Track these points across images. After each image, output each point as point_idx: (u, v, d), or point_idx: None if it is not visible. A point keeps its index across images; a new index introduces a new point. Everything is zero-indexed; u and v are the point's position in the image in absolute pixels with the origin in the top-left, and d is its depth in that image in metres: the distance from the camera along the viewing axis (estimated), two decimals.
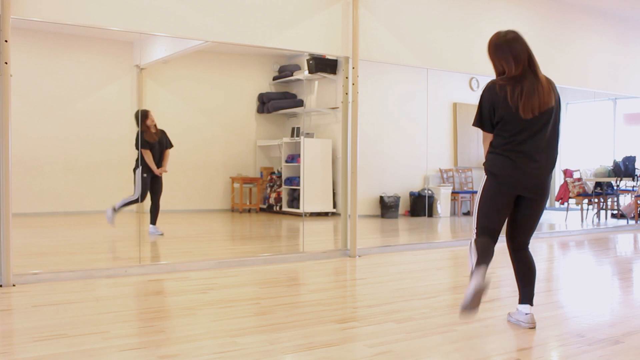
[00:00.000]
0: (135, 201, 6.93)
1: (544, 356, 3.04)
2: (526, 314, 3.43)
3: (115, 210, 6.81)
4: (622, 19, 8.76)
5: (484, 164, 3.42)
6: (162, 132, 7.19)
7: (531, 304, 3.44)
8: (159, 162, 7.13)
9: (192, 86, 9.58)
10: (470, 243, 3.32)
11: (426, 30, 6.78)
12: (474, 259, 3.22)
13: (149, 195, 7.13)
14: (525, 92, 3.21)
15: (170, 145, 7.25)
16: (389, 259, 6.07)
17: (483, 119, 3.33)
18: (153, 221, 7.17)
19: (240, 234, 8.38)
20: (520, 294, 3.48)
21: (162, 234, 7.14)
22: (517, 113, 3.21)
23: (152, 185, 7.10)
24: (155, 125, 7.05)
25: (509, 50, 3.28)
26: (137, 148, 6.90)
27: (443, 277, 5.40)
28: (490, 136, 3.36)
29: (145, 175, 6.97)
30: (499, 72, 3.36)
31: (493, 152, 3.34)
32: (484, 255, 3.20)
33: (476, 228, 3.37)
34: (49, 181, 8.29)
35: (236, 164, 10.10)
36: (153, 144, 7.00)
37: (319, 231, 8.28)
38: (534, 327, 3.41)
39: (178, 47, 7.78)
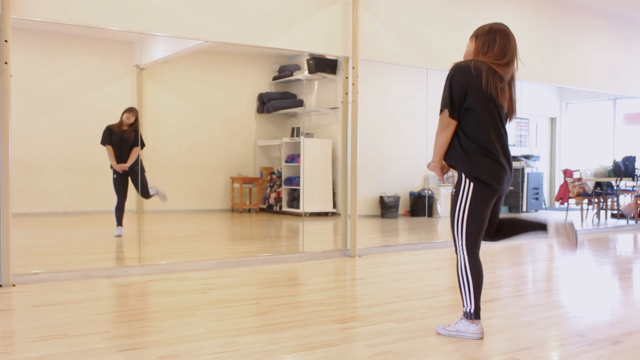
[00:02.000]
0: (117, 204, 6.89)
1: (544, 356, 3.03)
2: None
3: (120, 225, 6.86)
4: (622, 19, 8.76)
5: (465, 166, 3.11)
6: (135, 132, 7.06)
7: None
8: (124, 159, 6.96)
9: (192, 86, 9.57)
10: (463, 266, 3.15)
11: (426, 30, 6.78)
12: (469, 290, 3.13)
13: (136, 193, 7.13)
14: (503, 84, 3.10)
15: (141, 145, 7.08)
16: (389, 259, 6.07)
17: (454, 103, 3.06)
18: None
19: (240, 234, 8.38)
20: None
21: (163, 195, 7.14)
22: (492, 101, 3.07)
23: (131, 181, 7.04)
24: (130, 124, 6.93)
25: (508, 41, 3.13)
26: (101, 143, 6.94)
27: (443, 277, 5.40)
28: (453, 124, 3.09)
29: (115, 176, 6.94)
30: (481, 50, 3.14)
31: (477, 153, 3.08)
32: (479, 286, 3.15)
33: (466, 246, 3.15)
34: (49, 181, 8.27)
35: (236, 164, 10.10)
36: (116, 140, 6.88)
37: (319, 231, 8.28)
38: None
39: (178, 47, 7.78)
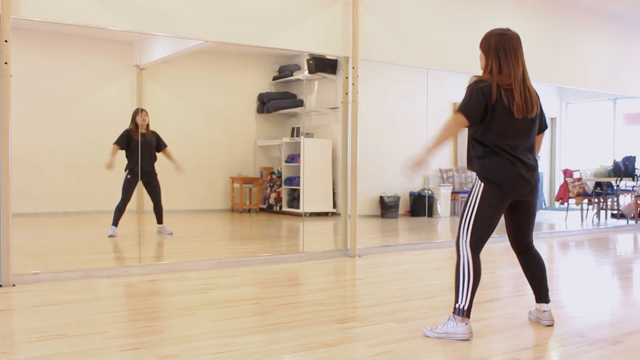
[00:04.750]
0: (120, 204, 6.84)
1: (544, 356, 3.04)
2: (544, 311, 3.47)
3: (115, 225, 6.83)
4: (622, 19, 8.76)
5: (476, 167, 3.23)
6: (155, 134, 7.12)
7: (547, 301, 3.48)
8: (148, 162, 6.97)
9: (192, 86, 9.57)
10: (466, 262, 3.17)
11: (426, 30, 6.78)
12: (468, 286, 3.16)
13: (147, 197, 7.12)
14: (520, 95, 3.15)
15: (164, 145, 7.19)
16: (389, 259, 6.07)
17: (469, 108, 3.14)
18: (159, 221, 7.17)
19: (240, 234, 8.38)
20: (535, 294, 3.50)
21: (171, 233, 7.14)
22: (512, 114, 3.13)
23: (146, 186, 7.07)
24: (146, 126, 6.96)
25: (514, 49, 3.19)
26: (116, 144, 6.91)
27: (443, 277, 5.40)
28: (463, 125, 3.15)
29: (129, 176, 6.89)
30: (492, 70, 3.20)
31: (488, 154, 3.18)
32: (477, 285, 3.19)
33: (470, 244, 3.19)
34: (49, 181, 8.28)
35: (236, 164, 10.10)
36: (136, 143, 6.80)
37: (319, 231, 8.28)
38: (552, 324, 3.45)
39: (178, 47, 7.78)
